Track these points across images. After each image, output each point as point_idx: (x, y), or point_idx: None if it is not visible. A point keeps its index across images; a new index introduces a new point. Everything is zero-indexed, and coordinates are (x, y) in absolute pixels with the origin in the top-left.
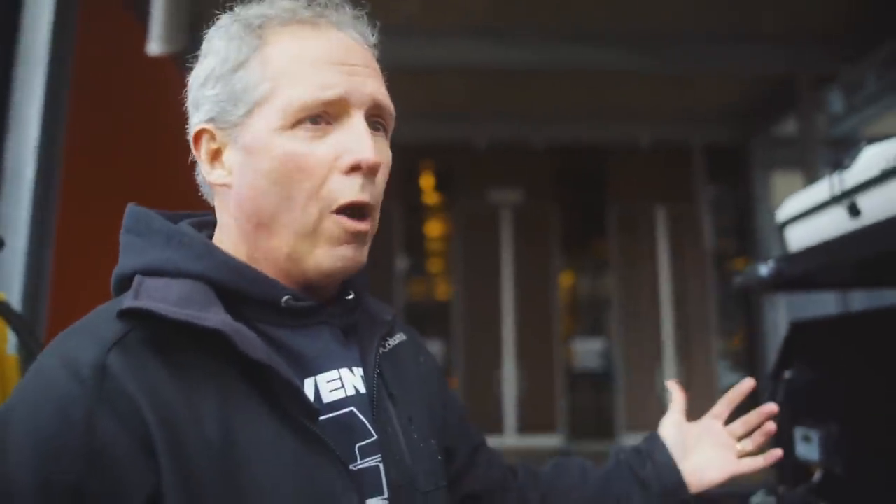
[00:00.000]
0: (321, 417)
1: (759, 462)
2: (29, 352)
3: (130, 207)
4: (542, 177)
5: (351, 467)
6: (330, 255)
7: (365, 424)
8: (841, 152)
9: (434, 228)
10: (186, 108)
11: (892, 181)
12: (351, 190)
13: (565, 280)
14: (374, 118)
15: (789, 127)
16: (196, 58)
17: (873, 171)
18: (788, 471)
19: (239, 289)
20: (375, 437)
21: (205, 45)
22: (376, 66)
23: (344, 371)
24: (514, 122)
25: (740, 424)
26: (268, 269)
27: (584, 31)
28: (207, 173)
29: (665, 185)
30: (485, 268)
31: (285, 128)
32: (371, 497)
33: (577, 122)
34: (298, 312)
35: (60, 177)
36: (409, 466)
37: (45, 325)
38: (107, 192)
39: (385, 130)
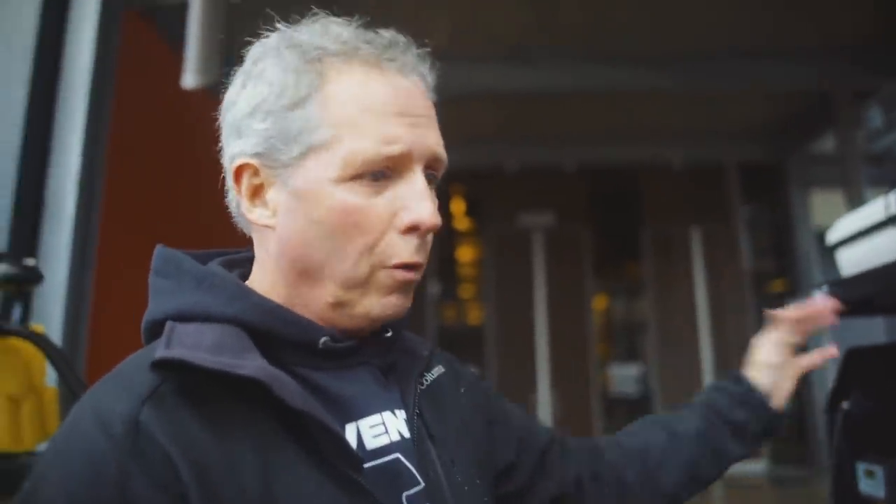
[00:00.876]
0: (365, 465)
1: (816, 359)
2: (67, 384)
3: (158, 249)
4: (573, 199)
5: None
6: (379, 304)
7: (411, 471)
8: (882, 169)
9: (466, 253)
10: (220, 129)
11: None
12: (406, 251)
13: (599, 303)
14: (430, 170)
15: (827, 143)
16: (233, 74)
17: None
18: None
19: (274, 331)
20: (423, 484)
21: (252, 66)
22: (434, 114)
23: (387, 415)
24: (544, 146)
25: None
26: (306, 313)
27: (614, 53)
28: (248, 210)
29: (700, 206)
30: (517, 292)
31: (343, 179)
32: None
33: (609, 144)
34: (336, 354)
35: (101, 209)
36: None
37: (84, 357)
38: (146, 224)
39: (436, 180)
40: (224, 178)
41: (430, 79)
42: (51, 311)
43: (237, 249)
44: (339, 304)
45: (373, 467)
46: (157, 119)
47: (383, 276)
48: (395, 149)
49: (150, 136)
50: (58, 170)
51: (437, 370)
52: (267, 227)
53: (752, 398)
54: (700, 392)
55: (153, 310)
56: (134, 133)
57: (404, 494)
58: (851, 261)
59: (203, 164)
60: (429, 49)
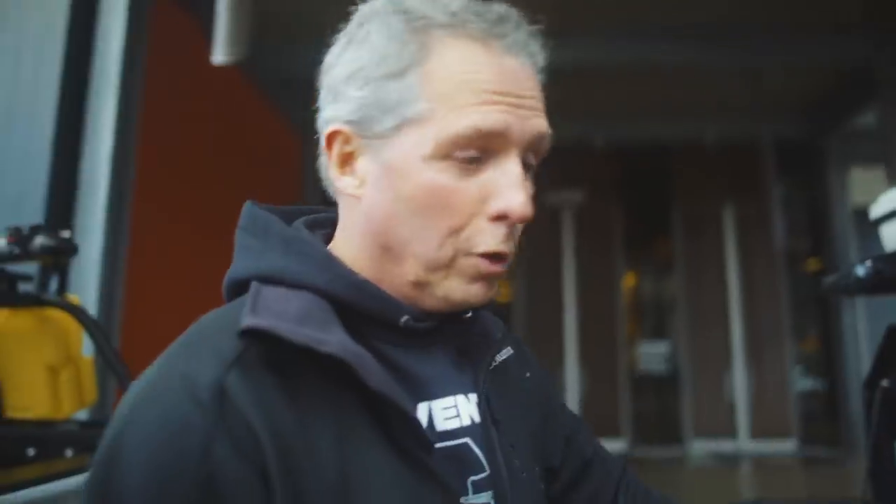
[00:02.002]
0: (437, 446)
1: None
2: (103, 354)
3: (247, 206)
4: (603, 177)
5: (462, 501)
6: (461, 290)
7: (479, 457)
8: None
9: None
10: (319, 90)
11: None
12: (494, 239)
13: (628, 282)
14: (528, 154)
15: (868, 119)
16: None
17: None
18: (888, 486)
19: (358, 305)
20: (488, 471)
21: (357, 29)
22: (541, 96)
23: (460, 398)
24: (574, 122)
25: None
26: (388, 288)
27: (648, 26)
28: (336, 178)
29: (733, 184)
30: (546, 270)
31: (435, 158)
32: None
33: (641, 121)
34: (416, 333)
35: (133, 184)
36: (510, 501)
37: (118, 327)
38: (177, 198)
39: (533, 168)
40: (319, 141)
41: (541, 58)
42: (85, 282)
43: (322, 208)
44: (420, 284)
45: (441, 449)
46: (187, 94)
47: (466, 264)
48: (490, 130)
49: (181, 111)
50: (91, 145)
51: (506, 352)
52: (354, 197)
53: None
54: None
55: (238, 267)
56: (165, 108)
57: (470, 479)
58: (895, 236)
59: (233, 138)
60: (542, 27)
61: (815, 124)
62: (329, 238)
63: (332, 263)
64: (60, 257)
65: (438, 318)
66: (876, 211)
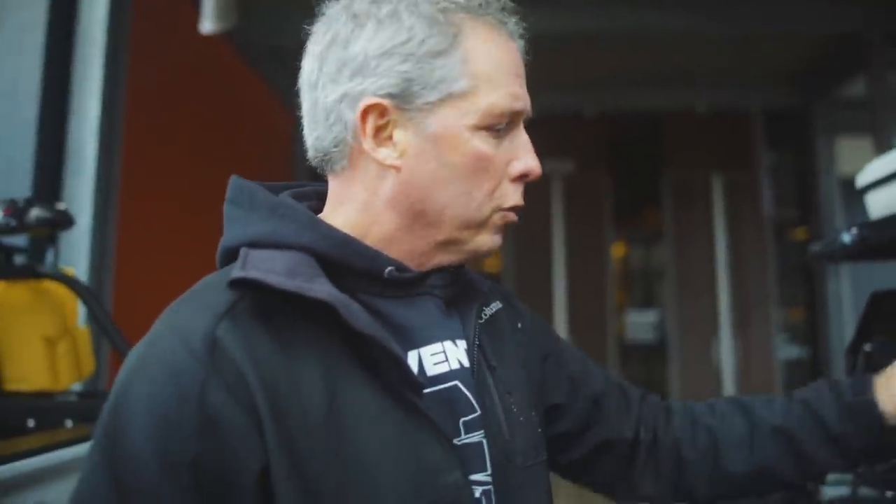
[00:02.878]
0: (425, 391)
1: None
2: (100, 325)
3: (233, 179)
4: (593, 146)
5: (455, 442)
6: (489, 241)
7: (469, 399)
8: None
9: None
10: (333, 64)
11: None
12: (516, 195)
13: (618, 251)
14: None
15: (856, 88)
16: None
17: None
18: None
19: (343, 260)
20: (479, 411)
21: (374, 8)
22: None
23: (448, 344)
24: (563, 91)
25: None
26: (406, 249)
27: None
28: (372, 150)
29: (722, 152)
30: (535, 240)
31: (478, 128)
32: (474, 473)
33: (630, 89)
34: (401, 283)
35: (121, 154)
36: (508, 441)
37: (110, 298)
38: (165, 167)
39: None
40: (309, 113)
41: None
42: (76, 254)
43: (305, 183)
44: (449, 242)
45: (432, 393)
46: (175, 65)
47: (497, 217)
48: (519, 105)
49: (168, 82)
50: (78, 115)
51: (496, 305)
52: (392, 167)
53: (867, 412)
54: (809, 386)
55: (228, 237)
56: (152, 79)
57: (461, 420)
58: (883, 203)
59: (222, 109)
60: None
61: (805, 93)
62: (316, 210)
63: (317, 224)
64: (56, 229)
65: (422, 271)
66: (862, 179)
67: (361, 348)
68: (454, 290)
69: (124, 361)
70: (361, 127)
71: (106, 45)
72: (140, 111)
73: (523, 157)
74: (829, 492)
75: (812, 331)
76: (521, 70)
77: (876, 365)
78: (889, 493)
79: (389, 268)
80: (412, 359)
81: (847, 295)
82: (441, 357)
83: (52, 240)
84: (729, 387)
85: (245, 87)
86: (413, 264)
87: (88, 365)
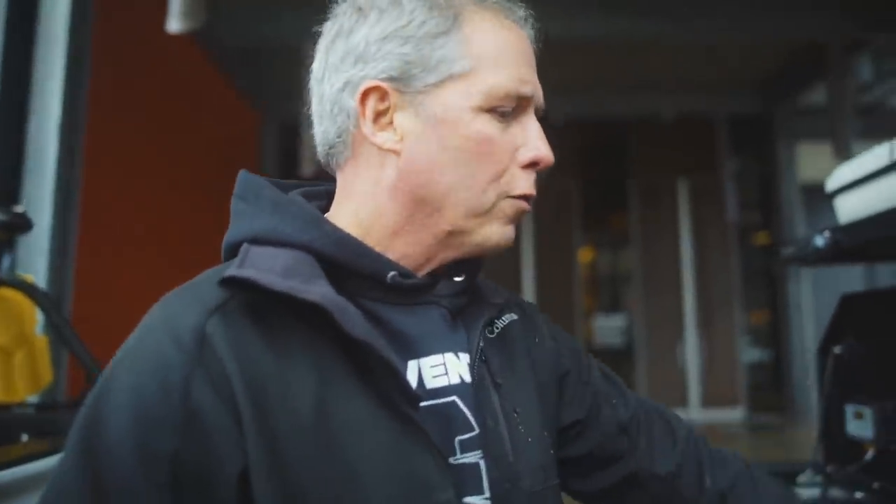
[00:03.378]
0: (421, 404)
1: None
2: (59, 334)
3: (242, 174)
4: (562, 152)
5: (450, 461)
6: (498, 232)
7: (467, 416)
8: (871, 121)
9: None
10: (332, 56)
11: None
12: (527, 183)
13: (585, 255)
14: None
15: (817, 96)
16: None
17: None
18: (838, 449)
19: (345, 262)
20: (477, 430)
21: None
22: None
23: (449, 356)
24: None
25: None
26: (413, 243)
27: (608, 2)
28: (372, 134)
29: (687, 158)
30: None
31: (482, 109)
32: (469, 495)
33: (599, 96)
34: (405, 290)
35: (83, 155)
36: (512, 464)
37: (70, 304)
38: (129, 169)
39: None
40: (315, 105)
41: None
42: (35, 259)
43: (318, 182)
44: (455, 233)
45: (428, 407)
46: (139, 64)
47: (506, 205)
48: (527, 90)
49: (133, 81)
50: (38, 115)
51: (510, 317)
52: (392, 151)
53: None
54: None
55: (231, 232)
56: (116, 78)
57: (457, 438)
58: (851, 208)
59: (188, 109)
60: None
61: (768, 100)
62: (324, 208)
63: (320, 222)
64: (14, 233)
65: (428, 278)
66: (831, 184)
67: (357, 355)
68: (463, 300)
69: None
70: (361, 111)
71: (68, 43)
72: (103, 111)
73: (533, 143)
74: (800, 493)
75: (774, 333)
76: (530, 57)
77: (845, 366)
78: (858, 494)
79: (392, 272)
80: (411, 369)
81: (808, 298)
82: (441, 370)
83: (9, 244)
84: (694, 388)
85: (212, 87)
86: (420, 263)
87: (46, 375)
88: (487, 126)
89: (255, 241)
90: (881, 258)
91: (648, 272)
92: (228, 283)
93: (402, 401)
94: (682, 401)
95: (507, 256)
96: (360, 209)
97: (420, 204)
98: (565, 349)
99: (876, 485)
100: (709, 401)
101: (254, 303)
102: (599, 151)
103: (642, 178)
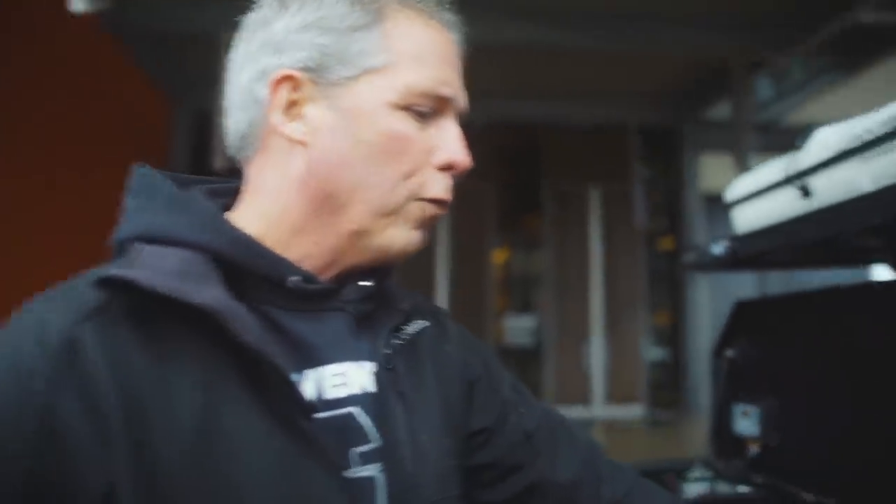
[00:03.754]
0: (318, 415)
1: None
2: None
3: (137, 168)
4: (478, 154)
5: (345, 474)
6: (404, 236)
7: (365, 428)
8: (768, 136)
9: None
10: (248, 46)
11: (844, 163)
12: (441, 187)
13: (499, 257)
14: None
15: (722, 111)
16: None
17: (825, 153)
18: (726, 445)
19: (241, 263)
20: (377, 442)
21: None
22: None
23: (351, 365)
24: None
25: None
26: (318, 243)
27: (522, 8)
28: (281, 123)
29: (599, 165)
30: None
31: (398, 106)
32: None
33: (516, 101)
34: (307, 295)
35: None
36: (412, 475)
37: None
38: (25, 157)
39: None
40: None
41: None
42: None
43: (228, 179)
44: (360, 234)
45: (325, 418)
46: (39, 46)
47: (416, 208)
48: (447, 91)
49: (31, 64)
50: None
51: (420, 324)
52: (300, 143)
53: None
54: None
55: (120, 229)
56: (12, 59)
57: (354, 450)
58: (747, 218)
59: (93, 97)
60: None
61: (676, 112)
62: (228, 207)
63: (218, 221)
64: None
65: (334, 282)
66: (729, 195)
67: (249, 364)
68: (370, 306)
69: None
70: (272, 100)
71: None
72: (3, 97)
73: (449, 146)
74: (690, 487)
75: (674, 334)
76: (454, 60)
77: (736, 368)
78: (742, 488)
79: (294, 277)
80: (310, 379)
81: (706, 302)
82: (341, 380)
83: None
84: (598, 386)
85: (118, 72)
86: (324, 266)
87: None
88: (402, 124)
89: (146, 239)
90: (773, 266)
91: (559, 274)
92: (107, 284)
93: (294, 412)
94: (587, 398)
95: (421, 255)
96: (265, 205)
97: (326, 200)
98: (476, 356)
99: (759, 479)
100: (612, 398)
101: (137, 307)
102: (515, 155)
103: (556, 182)
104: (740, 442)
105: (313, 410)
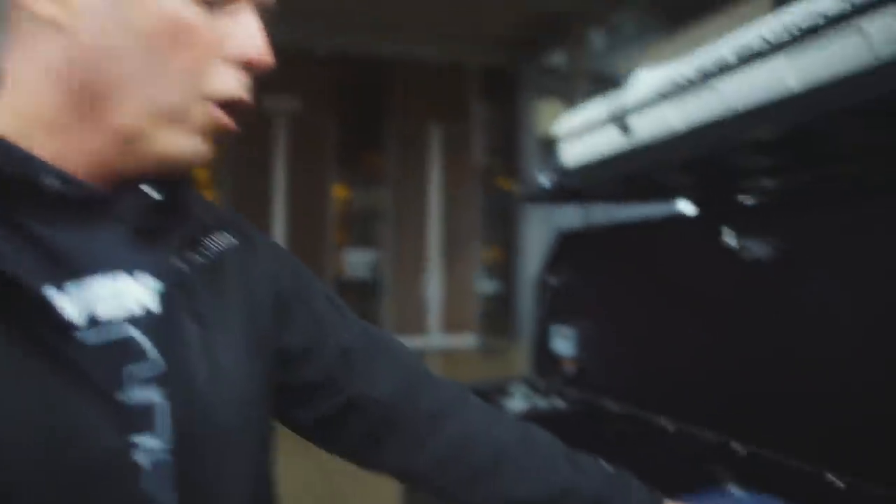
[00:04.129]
0: (84, 337)
1: None
2: None
3: None
4: (320, 87)
5: (118, 401)
6: (181, 143)
7: (146, 350)
8: (599, 85)
9: None
10: None
11: (661, 104)
12: (234, 84)
13: (339, 192)
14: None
15: (559, 58)
16: None
17: (643, 94)
18: (545, 365)
19: None
20: (160, 366)
21: None
22: None
23: (128, 281)
24: (294, 27)
25: None
26: (76, 147)
27: None
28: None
29: (440, 104)
30: (256, 178)
31: None
32: (143, 437)
33: (361, 33)
34: (71, 202)
35: None
36: (205, 400)
37: None
38: None
39: None
40: None
41: None
42: None
43: None
44: (131, 136)
45: (93, 340)
46: None
47: (200, 110)
48: None
49: None
50: None
51: (224, 240)
52: (55, 23)
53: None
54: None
55: None
56: None
57: (128, 372)
58: (573, 153)
59: None
60: None
61: (517, 56)
62: None
63: None
64: None
65: (107, 187)
66: (557, 130)
67: None
68: (160, 219)
69: None
70: None
71: None
72: None
73: (246, 38)
74: (512, 404)
75: (507, 268)
76: None
77: (557, 295)
78: (560, 404)
79: (51, 177)
80: (72, 295)
81: (537, 236)
82: (114, 296)
83: None
84: (434, 317)
85: None
86: (92, 173)
87: None
88: (185, 9)
89: None
90: (596, 200)
91: (399, 210)
92: None
93: (51, 333)
94: (424, 328)
95: (258, 187)
96: (19, 101)
97: (90, 95)
98: (288, 272)
99: (575, 394)
100: (447, 328)
101: None
102: (358, 91)
103: (397, 120)
104: (558, 361)
105: (73, 329)
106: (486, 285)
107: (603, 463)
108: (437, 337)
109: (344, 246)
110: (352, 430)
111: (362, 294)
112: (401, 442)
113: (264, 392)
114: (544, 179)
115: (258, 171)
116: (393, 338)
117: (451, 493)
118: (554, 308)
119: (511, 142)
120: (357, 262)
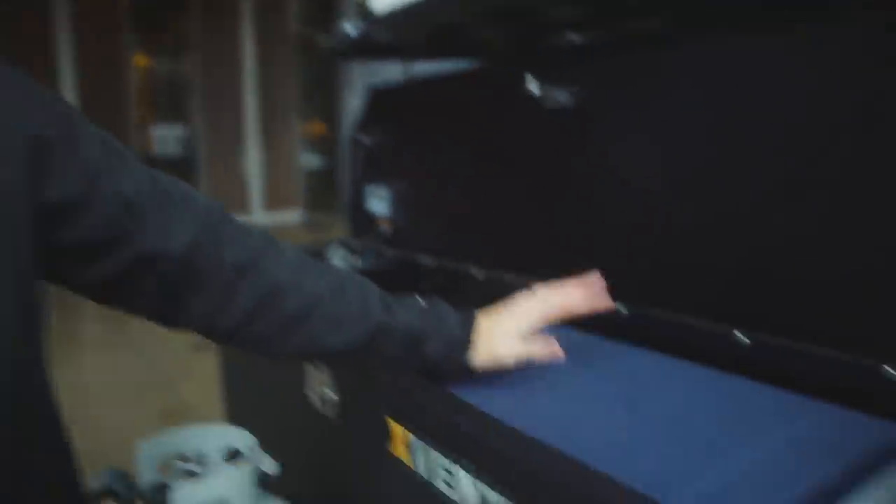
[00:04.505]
0: None
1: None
2: None
3: None
4: None
5: None
6: None
7: None
8: None
9: None
10: None
11: None
12: None
13: (139, 61)
14: None
15: None
16: None
17: None
18: (360, 224)
19: None
20: None
21: None
22: None
23: None
24: None
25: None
26: None
27: None
28: None
29: None
30: (34, 51)
31: None
32: None
33: None
34: None
35: None
36: None
37: None
38: None
39: None
40: None
41: None
42: None
43: None
44: None
45: None
46: None
47: None
48: None
49: None
50: None
51: None
52: None
53: (461, 346)
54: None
55: None
56: None
57: None
58: (384, 3)
59: None
60: None
61: None
62: None
63: None
64: None
65: None
66: None
67: None
68: None
69: None
70: None
71: None
72: None
73: None
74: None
75: (331, 141)
76: None
77: (371, 155)
78: (377, 263)
79: None
80: None
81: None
82: None
83: None
84: (256, 194)
85: None
86: None
87: None
88: None
89: None
90: (406, 55)
91: (210, 81)
92: None
93: None
94: (246, 205)
95: (35, 60)
96: None
97: None
98: (49, 114)
99: (390, 252)
100: (270, 205)
101: None
102: None
103: None
104: (374, 221)
105: None
106: (311, 160)
107: (417, 299)
108: (261, 214)
109: (149, 121)
110: (147, 289)
111: (175, 172)
112: (206, 296)
113: (14, 259)
114: (351, 29)
115: (34, 37)
116: (190, 187)
117: (263, 345)
118: (368, 167)
119: (329, 6)
120: (166, 137)
